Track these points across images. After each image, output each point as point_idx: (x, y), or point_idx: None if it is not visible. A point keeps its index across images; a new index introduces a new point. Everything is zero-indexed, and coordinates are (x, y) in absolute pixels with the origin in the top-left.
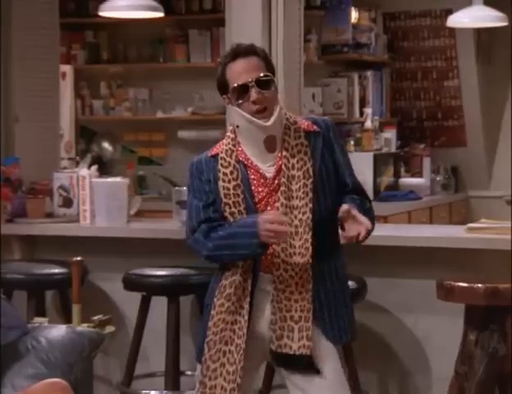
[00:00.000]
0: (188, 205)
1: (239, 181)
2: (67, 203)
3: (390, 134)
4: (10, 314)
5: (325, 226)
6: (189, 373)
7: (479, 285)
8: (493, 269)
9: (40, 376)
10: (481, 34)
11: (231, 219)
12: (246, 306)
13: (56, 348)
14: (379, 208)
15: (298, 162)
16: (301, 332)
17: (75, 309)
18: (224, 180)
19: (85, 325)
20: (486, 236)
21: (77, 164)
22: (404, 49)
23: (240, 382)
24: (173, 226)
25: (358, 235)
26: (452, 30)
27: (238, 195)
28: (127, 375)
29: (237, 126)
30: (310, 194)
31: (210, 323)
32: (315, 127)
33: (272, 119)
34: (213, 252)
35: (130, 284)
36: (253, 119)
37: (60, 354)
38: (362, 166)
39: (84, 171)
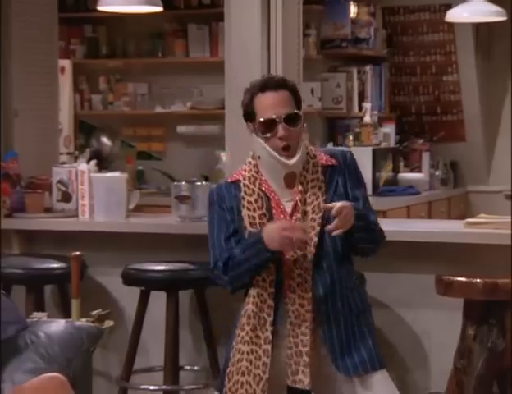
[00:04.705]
0: (209, 235)
1: (264, 210)
2: (66, 197)
3: (389, 129)
4: (9, 309)
5: (337, 258)
6: (187, 367)
7: (478, 280)
8: (492, 264)
9: (39, 371)
10: (480, 28)
11: None
12: (264, 335)
13: (55, 343)
14: (378, 202)
15: (310, 196)
16: (311, 367)
17: (74, 303)
18: (249, 209)
19: (84, 320)
20: (484, 231)
21: (76, 159)
22: (403, 44)
23: None
24: (172, 220)
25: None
26: (451, 25)
27: (264, 224)
28: (126, 370)
29: (258, 157)
30: (317, 229)
31: (230, 354)
32: (333, 161)
33: (296, 158)
34: (234, 283)
35: (129, 279)
36: (277, 156)
37: (59, 348)
38: (361, 161)
39: (83, 165)
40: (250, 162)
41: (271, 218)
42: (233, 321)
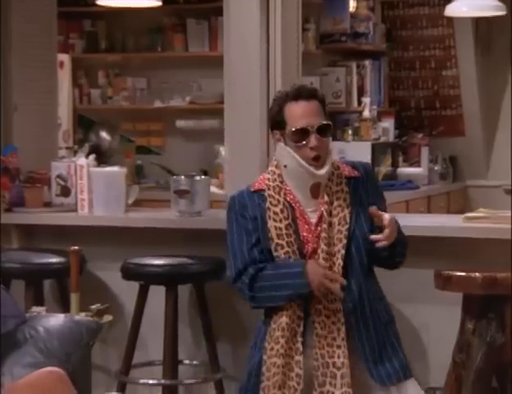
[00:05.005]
0: (229, 243)
1: (290, 221)
2: (65, 192)
3: (389, 123)
4: (8, 303)
5: (363, 270)
6: (186, 361)
7: (477, 274)
8: (491, 258)
9: (38, 365)
10: (479, 23)
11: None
12: (295, 346)
13: (54, 337)
14: None
15: (335, 208)
16: (343, 379)
17: (74, 297)
18: (275, 220)
19: (83, 314)
20: (483, 226)
21: (75, 153)
22: (402, 38)
23: None
24: (171, 215)
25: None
26: (450, 19)
27: (290, 235)
28: (125, 364)
29: (284, 166)
30: (344, 241)
31: (263, 369)
32: (356, 173)
33: (326, 168)
34: (258, 303)
35: (128, 273)
36: (306, 166)
37: (58, 343)
38: (360, 155)
39: (82, 160)
40: (274, 172)
41: (296, 229)
42: (256, 334)
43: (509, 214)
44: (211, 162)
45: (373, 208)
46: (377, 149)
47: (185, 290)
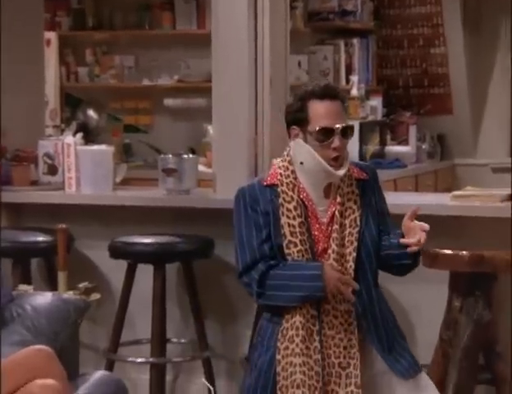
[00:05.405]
0: (238, 236)
1: (303, 219)
2: (52, 170)
3: (377, 101)
4: None
5: (372, 273)
6: (174, 340)
7: (464, 252)
8: (478, 236)
9: (26, 343)
10: (467, 1)
11: (297, 258)
12: (313, 346)
13: (41, 315)
14: None
15: (346, 209)
16: (349, 379)
17: (61, 276)
18: (289, 217)
19: (71, 292)
20: (471, 204)
21: (62, 132)
22: (390, 16)
23: None
24: (159, 193)
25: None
26: None
27: (303, 233)
28: (113, 342)
29: (301, 163)
30: (355, 244)
31: (278, 368)
32: (364, 175)
33: (345, 169)
34: (265, 300)
35: (116, 252)
36: (326, 165)
37: (46, 321)
38: None
39: (69, 138)
40: (287, 168)
41: (308, 227)
42: (262, 333)
43: (497, 192)
44: (199, 141)
45: (418, 208)
46: (365, 128)
47: (173, 269)
